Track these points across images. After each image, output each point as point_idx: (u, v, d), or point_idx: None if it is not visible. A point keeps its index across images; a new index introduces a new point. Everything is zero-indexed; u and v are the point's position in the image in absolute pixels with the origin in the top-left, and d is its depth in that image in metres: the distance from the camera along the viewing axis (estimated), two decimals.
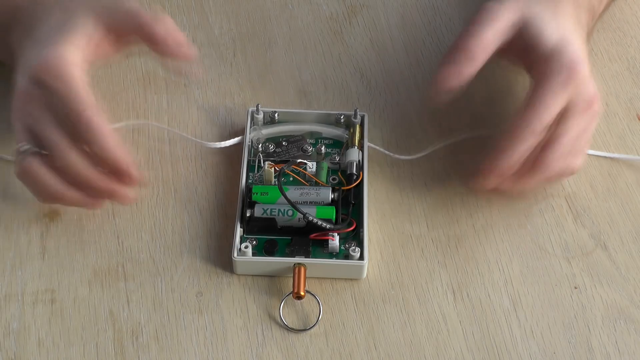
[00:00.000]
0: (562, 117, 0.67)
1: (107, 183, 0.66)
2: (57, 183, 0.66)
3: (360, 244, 0.67)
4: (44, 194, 0.67)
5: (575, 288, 0.67)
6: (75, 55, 0.66)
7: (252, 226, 0.67)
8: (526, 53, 0.69)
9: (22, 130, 0.66)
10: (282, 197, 0.66)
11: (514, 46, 0.69)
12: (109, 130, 0.64)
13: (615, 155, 0.75)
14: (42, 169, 0.65)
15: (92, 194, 0.67)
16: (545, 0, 0.71)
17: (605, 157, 0.74)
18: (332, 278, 0.67)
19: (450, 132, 0.75)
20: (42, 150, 0.65)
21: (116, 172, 0.65)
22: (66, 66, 0.65)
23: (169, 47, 0.68)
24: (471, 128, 0.75)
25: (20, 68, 0.66)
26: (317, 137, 0.74)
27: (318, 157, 0.72)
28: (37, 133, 0.65)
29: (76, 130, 0.64)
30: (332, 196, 0.68)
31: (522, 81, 0.77)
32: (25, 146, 0.65)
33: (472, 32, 0.68)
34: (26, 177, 0.66)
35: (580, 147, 0.68)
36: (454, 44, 0.69)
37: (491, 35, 0.68)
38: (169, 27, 0.68)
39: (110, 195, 0.67)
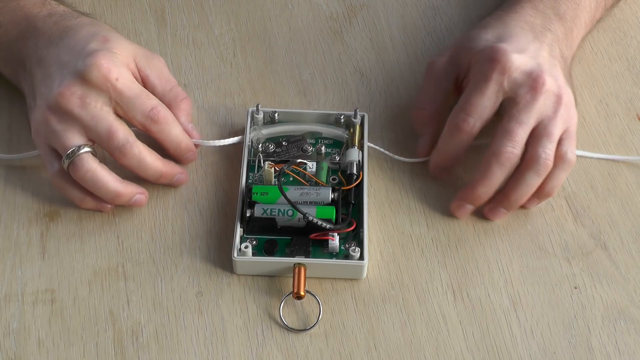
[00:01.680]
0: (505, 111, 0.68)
1: (173, 166, 0.70)
2: (116, 180, 0.67)
3: (360, 244, 0.66)
4: (104, 192, 0.67)
5: (575, 288, 0.67)
6: (129, 63, 0.69)
7: (252, 226, 0.67)
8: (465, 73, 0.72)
9: (75, 131, 0.66)
10: (282, 197, 0.66)
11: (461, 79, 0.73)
12: (175, 119, 0.70)
13: (615, 155, 0.74)
14: (102, 166, 0.67)
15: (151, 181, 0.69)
16: (491, 24, 0.73)
17: (605, 157, 0.74)
18: (332, 278, 0.67)
19: None
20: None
21: (183, 154, 0.71)
22: (128, 68, 0.68)
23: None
24: None
25: (54, 72, 0.67)
26: (317, 137, 0.74)
27: (318, 157, 0.72)
28: (102, 131, 0.66)
29: (144, 123, 0.68)
30: (332, 196, 0.68)
31: None
32: (86, 147, 0.66)
33: (418, 100, 0.74)
34: (85, 176, 0.66)
35: (549, 135, 0.67)
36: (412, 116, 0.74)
37: (433, 94, 0.73)
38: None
39: (171, 179, 0.70)
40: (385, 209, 0.71)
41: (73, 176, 0.67)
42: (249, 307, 0.65)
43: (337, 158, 0.72)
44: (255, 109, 0.74)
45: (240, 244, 0.66)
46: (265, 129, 0.73)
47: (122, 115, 0.68)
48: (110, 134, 0.66)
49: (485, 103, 0.68)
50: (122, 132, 0.67)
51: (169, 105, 0.70)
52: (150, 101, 0.68)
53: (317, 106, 0.77)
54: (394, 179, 0.73)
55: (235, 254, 0.66)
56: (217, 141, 0.73)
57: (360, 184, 0.70)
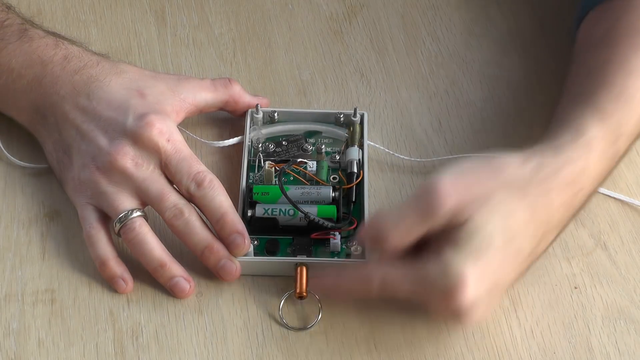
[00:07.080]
0: None
1: (222, 248, 0.65)
2: (164, 251, 0.65)
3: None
4: (149, 258, 0.65)
5: (575, 288, 0.67)
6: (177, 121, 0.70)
7: (254, 226, 0.67)
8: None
9: (127, 194, 0.65)
10: (283, 196, 0.66)
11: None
12: (222, 187, 0.66)
13: None
14: (152, 234, 0.66)
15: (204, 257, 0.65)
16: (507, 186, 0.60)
17: None
18: None
19: (450, 132, 0.75)
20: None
21: (228, 234, 0.65)
22: (178, 131, 0.67)
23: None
24: (472, 130, 0.75)
25: (94, 130, 0.67)
26: (317, 137, 0.74)
27: (318, 156, 0.72)
28: (153, 193, 0.65)
29: (188, 187, 0.65)
30: (333, 195, 0.68)
31: (525, 88, 0.77)
32: (138, 211, 0.65)
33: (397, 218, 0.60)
34: (135, 239, 0.65)
35: None
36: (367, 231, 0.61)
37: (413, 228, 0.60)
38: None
39: (217, 261, 0.65)
40: (385, 207, 0.71)
41: (123, 238, 0.65)
42: (249, 307, 0.65)
43: (338, 157, 0.72)
44: (255, 108, 0.74)
45: None
46: (265, 128, 0.73)
47: (170, 178, 0.66)
48: (162, 195, 0.65)
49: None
50: (175, 195, 0.65)
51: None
52: (198, 165, 0.66)
53: (317, 106, 0.77)
54: (394, 177, 0.73)
55: None
56: (217, 142, 0.73)
57: (361, 183, 0.70)
